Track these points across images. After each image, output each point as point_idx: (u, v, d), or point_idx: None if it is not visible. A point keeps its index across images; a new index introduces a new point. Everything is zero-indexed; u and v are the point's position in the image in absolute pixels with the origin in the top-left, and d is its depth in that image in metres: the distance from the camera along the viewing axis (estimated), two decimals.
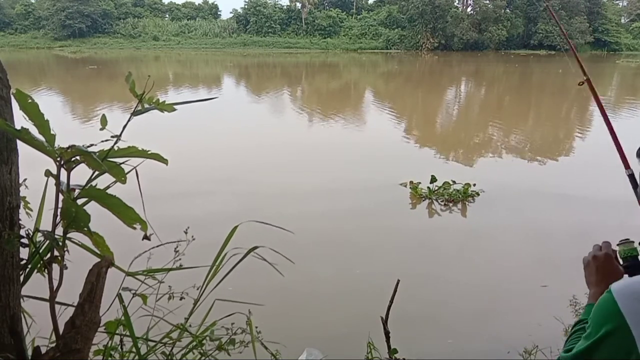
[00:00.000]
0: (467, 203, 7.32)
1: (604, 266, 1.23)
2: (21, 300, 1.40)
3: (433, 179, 7.48)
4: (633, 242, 1.27)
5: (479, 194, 7.47)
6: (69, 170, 1.29)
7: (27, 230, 1.39)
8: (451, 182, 7.53)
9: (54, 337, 1.47)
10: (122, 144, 1.35)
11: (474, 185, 7.51)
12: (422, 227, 6.76)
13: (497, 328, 4.28)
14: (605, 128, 1.72)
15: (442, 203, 7.33)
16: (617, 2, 62.06)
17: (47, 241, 1.42)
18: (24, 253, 1.39)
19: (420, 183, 7.63)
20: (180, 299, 1.98)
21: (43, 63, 39.00)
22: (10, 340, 1.32)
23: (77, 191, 1.33)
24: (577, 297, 4.19)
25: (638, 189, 1.13)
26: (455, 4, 54.71)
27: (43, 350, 1.39)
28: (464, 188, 7.44)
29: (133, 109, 1.37)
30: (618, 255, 1.28)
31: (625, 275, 1.23)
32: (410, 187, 7.65)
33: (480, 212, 7.13)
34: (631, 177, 1.42)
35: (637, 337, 0.85)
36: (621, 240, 1.29)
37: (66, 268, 1.37)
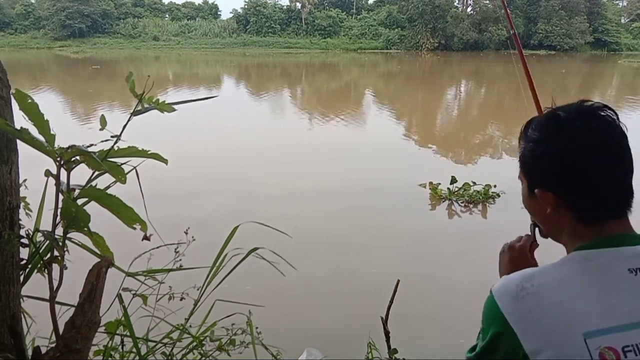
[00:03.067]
0: (487, 204, 7.22)
1: (518, 257, 1.23)
2: (21, 300, 1.40)
3: (453, 180, 7.37)
4: None
5: (499, 195, 7.34)
6: (69, 170, 1.29)
7: (27, 230, 1.39)
8: (471, 183, 7.44)
9: (54, 337, 1.47)
10: (122, 144, 1.35)
11: (495, 186, 7.39)
12: (430, 228, 6.68)
13: None
14: None
15: (463, 204, 7.23)
16: (617, 2, 62.10)
17: (47, 241, 1.42)
18: (24, 253, 1.39)
19: (440, 184, 7.54)
20: (181, 299, 1.98)
21: (45, 63, 38.97)
22: (10, 340, 1.32)
23: (77, 191, 1.33)
24: None
25: None
26: (455, 4, 54.76)
27: (43, 350, 1.39)
28: (484, 189, 7.33)
29: (133, 109, 1.37)
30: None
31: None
32: (429, 188, 7.56)
33: (498, 213, 7.01)
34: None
35: (520, 335, 0.88)
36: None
37: (66, 268, 1.37)
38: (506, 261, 1.24)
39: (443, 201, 7.35)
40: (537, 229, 1.20)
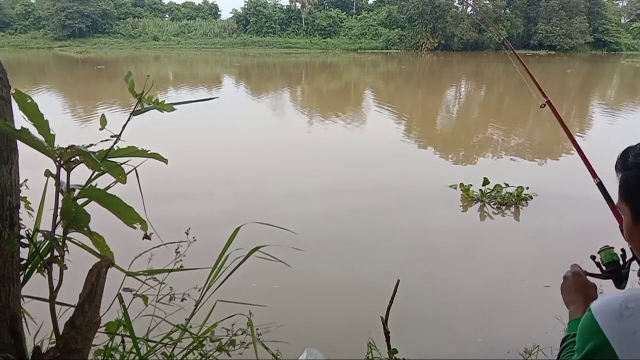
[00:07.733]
0: (520, 207, 7.13)
1: (575, 283, 1.31)
2: (21, 300, 1.40)
3: (485, 182, 7.32)
4: (612, 247, 1.31)
5: (532, 197, 7.26)
6: (68, 170, 1.29)
7: (27, 230, 1.38)
8: (503, 185, 7.37)
9: (54, 337, 1.47)
10: (122, 144, 1.35)
11: (527, 188, 7.30)
12: (430, 228, 6.64)
13: (499, 328, 4.27)
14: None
15: (495, 206, 7.14)
16: (617, 2, 62.06)
17: (47, 241, 1.41)
18: (24, 253, 1.39)
19: (471, 185, 7.49)
20: (182, 299, 1.97)
21: (47, 63, 38.85)
22: (10, 340, 1.32)
23: (77, 191, 1.33)
24: None
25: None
26: (455, 4, 54.74)
27: (43, 350, 1.38)
28: (517, 191, 7.24)
29: (133, 109, 1.37)
30: (600, 262, 1.32)
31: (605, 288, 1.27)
32: (461, 190, 7.52)
33: (531, 215, 6.94)
34: (600, 185, 1.49)
35: (619, 352, 0.87)
36: (601, 248, 1.33)
37: (66, 268, 1.37)
38: (567, 290, 1.33)
39: (474, 203, 7.29)
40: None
